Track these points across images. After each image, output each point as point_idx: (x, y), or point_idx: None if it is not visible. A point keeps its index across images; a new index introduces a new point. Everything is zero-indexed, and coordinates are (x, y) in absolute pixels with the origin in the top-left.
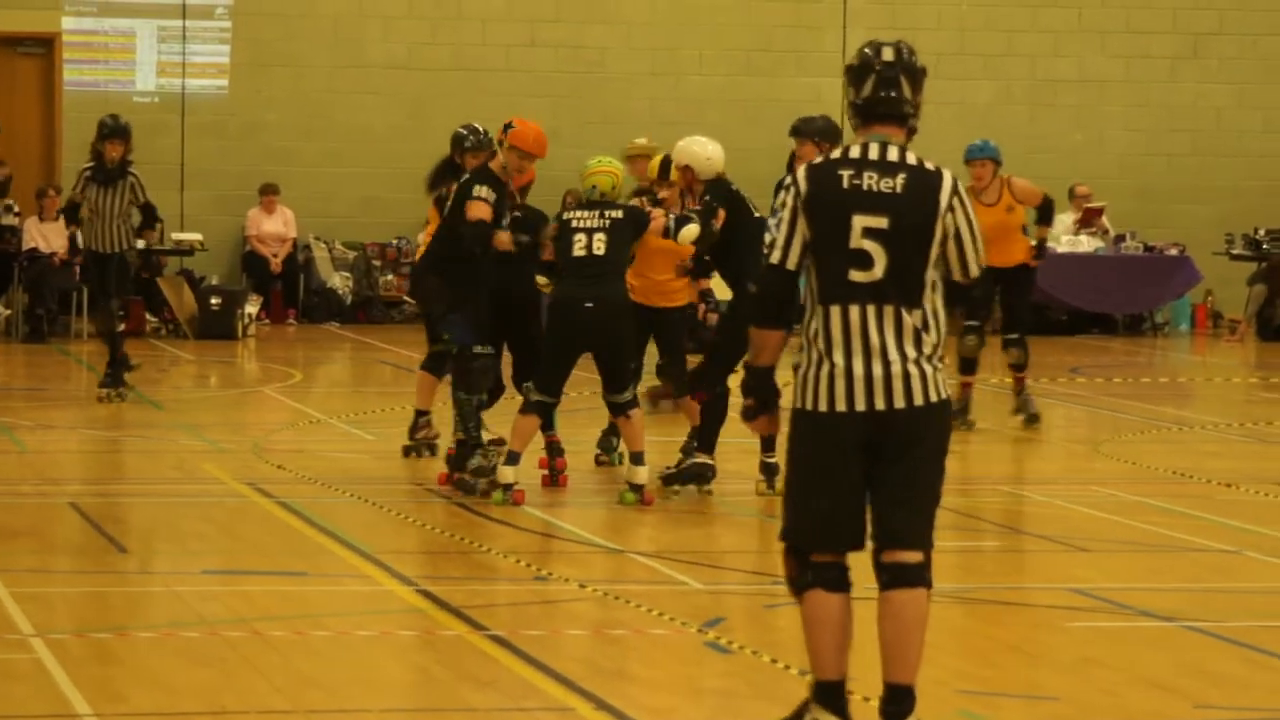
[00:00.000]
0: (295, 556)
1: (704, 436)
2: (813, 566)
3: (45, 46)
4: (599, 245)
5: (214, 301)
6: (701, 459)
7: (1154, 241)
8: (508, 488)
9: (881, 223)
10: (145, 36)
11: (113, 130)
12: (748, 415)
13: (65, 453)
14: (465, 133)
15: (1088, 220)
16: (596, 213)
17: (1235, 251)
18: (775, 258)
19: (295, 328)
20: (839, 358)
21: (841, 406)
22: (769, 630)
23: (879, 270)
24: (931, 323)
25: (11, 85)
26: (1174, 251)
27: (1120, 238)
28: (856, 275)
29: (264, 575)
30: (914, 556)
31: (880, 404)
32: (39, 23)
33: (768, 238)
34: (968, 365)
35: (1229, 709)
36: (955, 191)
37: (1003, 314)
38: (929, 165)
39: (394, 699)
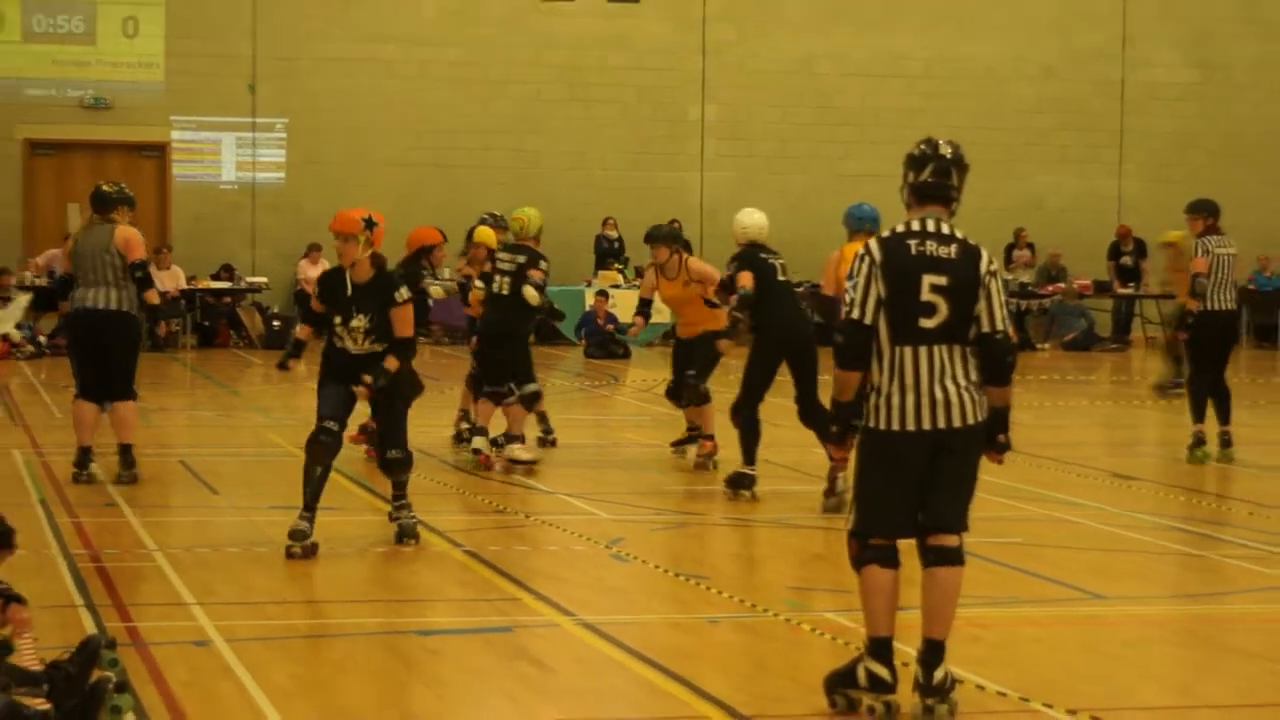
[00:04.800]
0: (331, 498)
1: (746, 450)
2: (870, 547)
3: (159, 151)
4: (503, 287)
5: (275, 323)
6: (745, 469)
7: None
8: (476, 452)
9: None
10: (228, 144)
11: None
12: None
13: (175, 427)
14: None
15: None
16: (510, 255)
17: None
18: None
19: None
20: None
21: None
22: (654, 547)
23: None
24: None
25: (136, 178)
26: None
27: None
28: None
29: None
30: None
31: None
32: (155, 135)
33: (846, 296)
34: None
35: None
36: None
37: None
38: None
39: (397, 593)
